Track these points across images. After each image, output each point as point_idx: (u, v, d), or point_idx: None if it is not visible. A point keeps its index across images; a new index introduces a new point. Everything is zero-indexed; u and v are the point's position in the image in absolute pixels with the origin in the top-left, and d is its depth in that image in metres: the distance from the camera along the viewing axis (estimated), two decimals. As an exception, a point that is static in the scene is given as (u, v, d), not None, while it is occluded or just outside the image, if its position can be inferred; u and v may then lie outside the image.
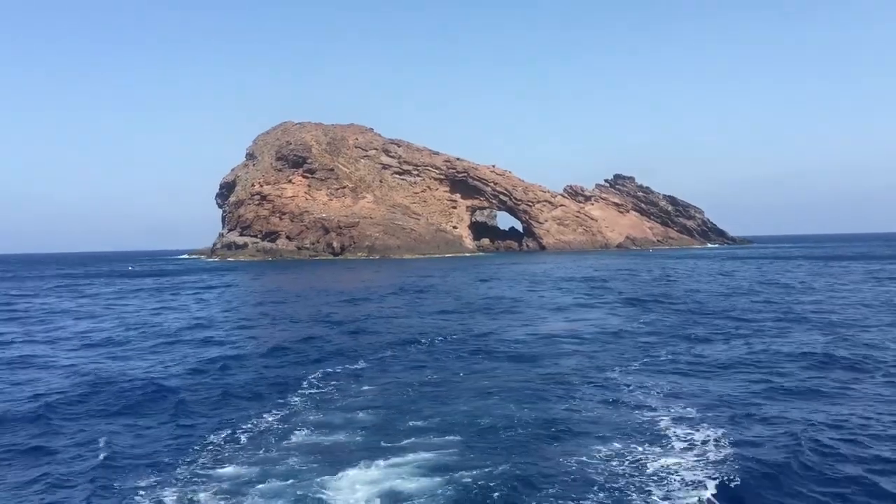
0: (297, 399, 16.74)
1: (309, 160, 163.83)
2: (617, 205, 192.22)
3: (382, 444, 12.85)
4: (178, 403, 16.48)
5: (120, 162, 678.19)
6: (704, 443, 12.38)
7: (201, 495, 10.54)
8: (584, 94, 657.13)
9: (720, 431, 12.97)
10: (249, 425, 14.46)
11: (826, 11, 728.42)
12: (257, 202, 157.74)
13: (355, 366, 20.99)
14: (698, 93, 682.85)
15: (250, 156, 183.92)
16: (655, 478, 10.78)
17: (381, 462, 11.70)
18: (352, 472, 11.25)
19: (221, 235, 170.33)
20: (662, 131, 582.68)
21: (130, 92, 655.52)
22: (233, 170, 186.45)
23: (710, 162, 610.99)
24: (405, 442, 12.92)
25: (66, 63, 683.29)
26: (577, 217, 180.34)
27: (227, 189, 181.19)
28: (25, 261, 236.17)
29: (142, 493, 10.73)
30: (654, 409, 14.78)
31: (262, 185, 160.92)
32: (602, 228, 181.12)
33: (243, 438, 13.53)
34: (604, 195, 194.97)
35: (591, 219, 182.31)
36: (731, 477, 10.56)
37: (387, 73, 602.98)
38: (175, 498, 10.48)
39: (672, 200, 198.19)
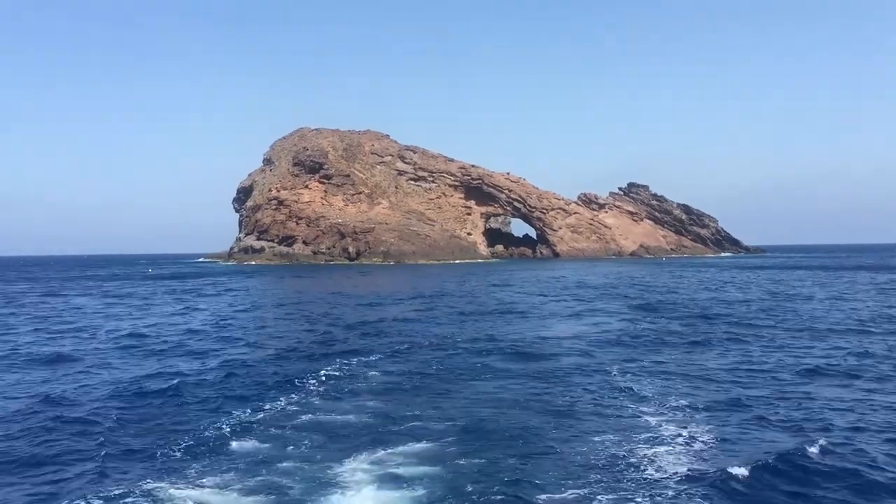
0: (314, 387, 18.14)
1: (325, 166, 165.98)
2: (631, 213, 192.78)
3: (389, 429, 14.05)
4: (206, 390, 18.01)
5: (133, 166, 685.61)
6: (692, 437, 13.24)
7: (222, 469, 11.76)
8: (595, 100, 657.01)
9: (707, 428, 13.83)
10: (268, 408, 15.91)
11: (835, 13, 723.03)
12: (274, 207, 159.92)
13: (369, 358, 22.50)
14: (712, 99, 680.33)
15: (267, 161, 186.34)
16: (645, 467, 11.63)
17: (385, 447, 12.79)
18: (358, 454, 12.41)
19: (238, 239, 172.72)
20: (675, 137, 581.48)
21: (144, 95, 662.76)
22: (250, 175, 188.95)
23: (723, 168, 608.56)
24: (409, 427, 14.14)
25: (82, 66, 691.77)
26: (591, 225, 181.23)
27: (244, 194, 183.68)
28: (37, 263, 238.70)
29: (173, 464, 12.01)
30: (648, 406, 15.73)
31: (279, 190, 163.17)
32: (616, 236, 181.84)
33: (262, 420, 14.87)
34: (618, 203, 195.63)
35: (605, 227, 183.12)
36: (716, 470, 11.32)
37: (401, 79, 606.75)
38: (199, 470, 11.77)
39: (686, 209, 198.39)
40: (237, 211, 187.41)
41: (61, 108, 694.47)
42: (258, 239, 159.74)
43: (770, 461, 11.64)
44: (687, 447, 12.75)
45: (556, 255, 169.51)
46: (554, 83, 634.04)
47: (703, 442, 13.05)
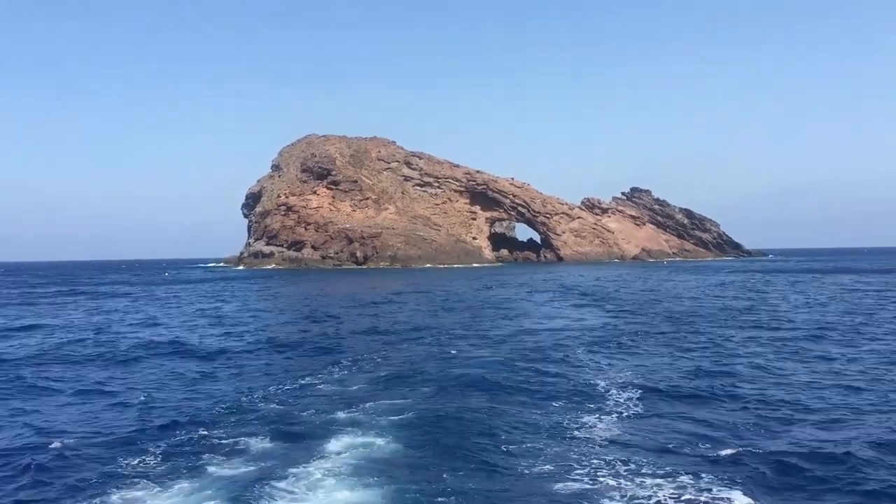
0: (329, 367, 22.08)
1: (333, 172, 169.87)
2: (633, 217, 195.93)
3: (385, 391, 17.89)
4: (238, 368, 22.53)
5: (138, 171, 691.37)
6: (628, 403, 16.59)
7: (249, 422, 15.21)
8: (599, 102, 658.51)
9: (638, 395, 17.18)
10: (292, 382, 19.60)
11: (836, 13, 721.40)
12: (283, 212, 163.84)
13: (379, 347, 26.42)
14: (713, 100, 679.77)
15: (276, 167, 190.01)
16: (588, 428, 14.57)
17: (379, 402, 16.57)
18: (355, 409, 16.04)
19: (248, 244, 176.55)
20: (679, 142, 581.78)
21: (149, 99, 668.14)
22: (259, 181, 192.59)
23: (727, 169, 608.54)
24: (400, 392, 17.77)
25: (88, 68, 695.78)
26: (594, 229, 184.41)
27: (253, 199, 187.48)
28: (48, 267, 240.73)
29: (215, 419, 15.52)
30: (600, 382, 18.98)
31: (287, 196, 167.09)
32: (618, 240, 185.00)
33: (283, 388, 18.65)
34: (620, 208, 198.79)
35: (608, 231, 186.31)
36: (643, 430, 14.52)
37: (406, 84, 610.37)
38: (234, 424, 15.31)
39: (688, 213, 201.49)
40: (246, 216, 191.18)
41: (63, 109, 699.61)
42: (268, 244, 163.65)
43: (694, 436, 14.25)
44: (621, 414, 15.82)
45: (560, 259, 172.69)
46: (554, 83, 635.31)
47: (636, 418, 15.79)
